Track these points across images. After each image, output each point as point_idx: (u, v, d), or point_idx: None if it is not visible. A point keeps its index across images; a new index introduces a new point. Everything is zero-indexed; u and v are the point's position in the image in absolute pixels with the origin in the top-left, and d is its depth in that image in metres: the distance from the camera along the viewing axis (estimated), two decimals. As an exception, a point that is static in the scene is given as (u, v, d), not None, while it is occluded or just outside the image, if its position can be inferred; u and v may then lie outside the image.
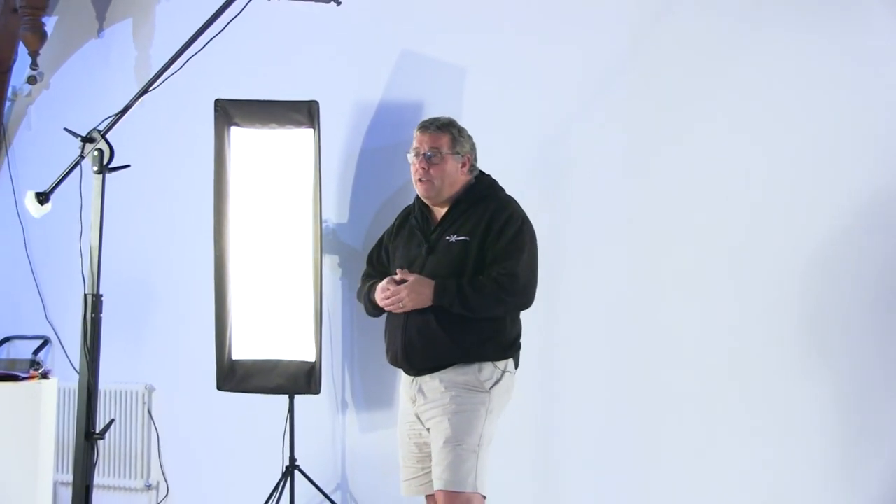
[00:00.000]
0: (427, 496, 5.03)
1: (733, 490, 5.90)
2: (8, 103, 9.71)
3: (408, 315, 4.92)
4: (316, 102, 7.02)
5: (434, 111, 7.04)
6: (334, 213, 7.50)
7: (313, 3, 5.26)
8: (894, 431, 5.48)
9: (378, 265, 5.29)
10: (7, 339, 9.32)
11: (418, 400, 4.90)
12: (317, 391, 6.97)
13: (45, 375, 5.78)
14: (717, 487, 5.95)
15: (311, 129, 7.02)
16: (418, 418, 4.91)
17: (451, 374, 4.78)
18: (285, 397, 7.06)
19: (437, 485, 4.73)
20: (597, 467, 6.32)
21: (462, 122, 6.82)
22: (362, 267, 7.37)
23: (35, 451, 5.51)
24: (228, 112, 7.16)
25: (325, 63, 7.60)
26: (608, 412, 6.32)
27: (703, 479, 6.02)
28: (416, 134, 5.11)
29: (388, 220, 7.17)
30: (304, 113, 7.04)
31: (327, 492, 7.11)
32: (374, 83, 7.45)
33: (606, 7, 6.49)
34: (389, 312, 5.06)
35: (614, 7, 6.46)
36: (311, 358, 6.95)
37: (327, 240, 7.30)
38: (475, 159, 5.09)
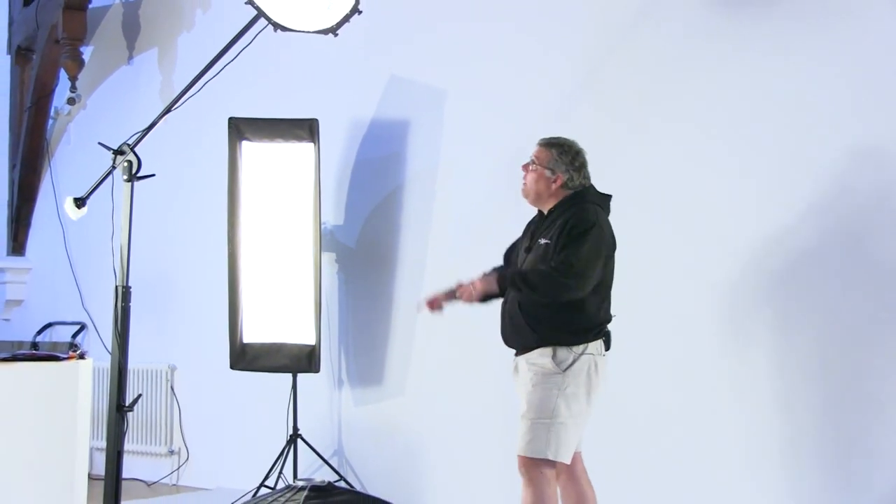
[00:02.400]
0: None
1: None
2: (51, 121, 9.72)
3: (505, 303, 4.92)
4: (316, 120, 7.01)
5: (418, 128, 7.09)
6: (332, 216, 7.50)
7: (314, 34, 5.23)
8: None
9: (507, 264, 5.22)
10: (49, 325, 9.32)
11: (514, 377, 4.91)
12: (316, 370, 6.97)
13: (82, 356, 5.74)
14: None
15: (312, 144, 7.02)
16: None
17: (534, 357, 4.73)
18: (289, 375, 7.05)
19: (517, 450, 4.71)
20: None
21: (441, 137, 6.90)
22: (356, 263, 7.43)
23: (74, 421, 5.48)
24: (240, 128, 7.15)
25: (324, 86, 7.60)
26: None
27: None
28: None
29: (380, 222, 7.23)
30: (306, 129, 7.03)
31: (326, 457, 7.11)
32: (366, 103, 7.45)
33: (568, 36, 6.49)
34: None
35: (575, 37, 6.46)
36: (312, 341, 6.95)
37: (326, 239, 7.30)
38: (575, 179, 4.91)
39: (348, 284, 7.46)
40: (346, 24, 5.15)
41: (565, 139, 5.02)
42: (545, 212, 4.97)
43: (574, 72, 6.47)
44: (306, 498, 5.27)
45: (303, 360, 6.98)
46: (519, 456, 4.69)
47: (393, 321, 7.17)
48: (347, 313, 7.47)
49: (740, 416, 5.61)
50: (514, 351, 4.96)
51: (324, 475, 6.39)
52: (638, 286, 5.76)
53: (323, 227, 7.14)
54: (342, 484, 6.72)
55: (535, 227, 5.04)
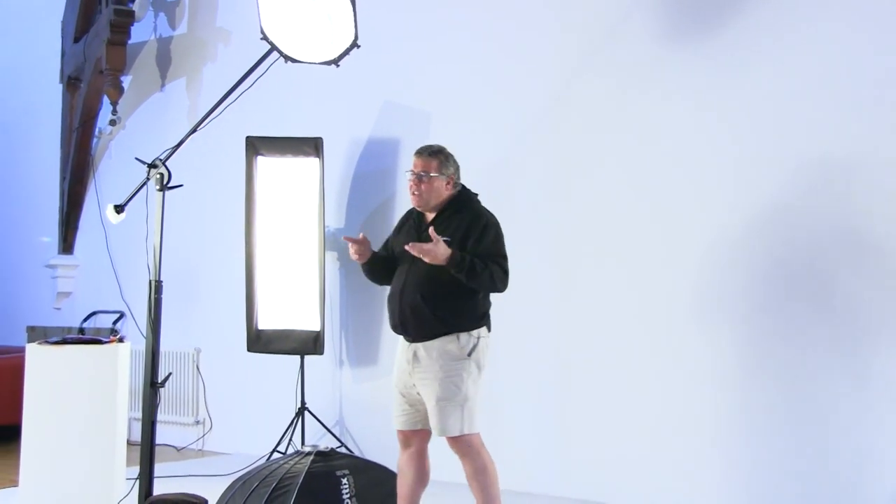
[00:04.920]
0: (400, 431, 4.85)
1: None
2: (95, 140, 9.72)
3: (402, 294, 4.67)
4: (320, 139, 7.02)
5: (408, 146, 7.07)
6: (334, 220, 7.49)
7: (319, 65, 5.25)
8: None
9: (386, 251, 5.00)
10: (93, 314, 9.30)
11: (413, 363, 4.61)
12: (321, 352, 6.98)
13: (121, 340, 5.75)
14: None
15: (317, 159, 7.02)
16: (410, 377, 4.63)
17: (438, 344, 4.54)
18: (297, 357, 7.05)
19: (436, 432, 4.56)
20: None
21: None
22: (355, 261, 7.41)
23: (114, 396, 5.49)
24: (255, 145, 7.15)
25: (327, 109, 7.60)
26: (539, 399, 6.32)
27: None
28: (413, 157, 4.78)
29: (375, 225, 7.20)
30: (312, 146, 7.03)
31: (329, 426, 7.11)
32: (363, 124, 7.46)
33: (533, 66, 6.52)
34: (391, 289, 4.80)
35: (546, 62, 6.49)
36: (317, 328, 6.95)
37: (329, 240, 7.29)
38: (458, 178, 4.75)
39: (348, 279, 7.46)
40: (347, 57, 5.17)
41: (437, 145, 4.82)
42: (433, 212, 4.77)
43: (538, 97, 6.50)
44: (312, 461, 5.27)
45: (309, 344, 6.98)
46: (448, 437, 4.54)
47: (386, 310, 7.16)
48: (347, 303, 7.46)
49: (708, 395, 5.66)
50: (404, 339, 4.74)
51: (327, 442, 6.38)
52: (622, 276, 5.86)
53: (326, 229, 7.14)
54: (343, 450, 6.71)
55: (417, 224, 4.81)
